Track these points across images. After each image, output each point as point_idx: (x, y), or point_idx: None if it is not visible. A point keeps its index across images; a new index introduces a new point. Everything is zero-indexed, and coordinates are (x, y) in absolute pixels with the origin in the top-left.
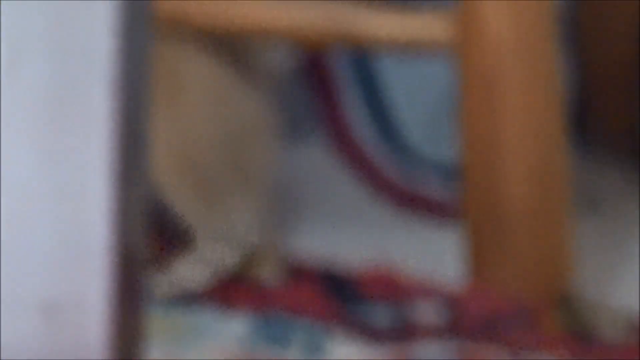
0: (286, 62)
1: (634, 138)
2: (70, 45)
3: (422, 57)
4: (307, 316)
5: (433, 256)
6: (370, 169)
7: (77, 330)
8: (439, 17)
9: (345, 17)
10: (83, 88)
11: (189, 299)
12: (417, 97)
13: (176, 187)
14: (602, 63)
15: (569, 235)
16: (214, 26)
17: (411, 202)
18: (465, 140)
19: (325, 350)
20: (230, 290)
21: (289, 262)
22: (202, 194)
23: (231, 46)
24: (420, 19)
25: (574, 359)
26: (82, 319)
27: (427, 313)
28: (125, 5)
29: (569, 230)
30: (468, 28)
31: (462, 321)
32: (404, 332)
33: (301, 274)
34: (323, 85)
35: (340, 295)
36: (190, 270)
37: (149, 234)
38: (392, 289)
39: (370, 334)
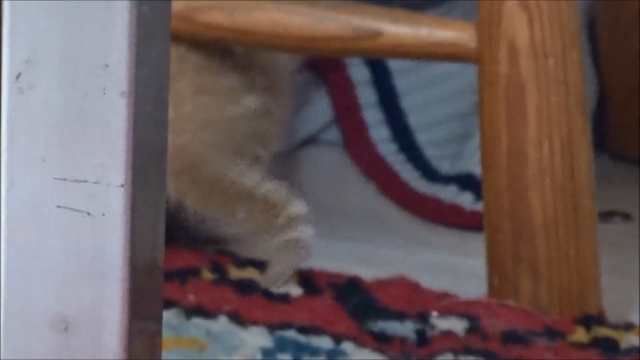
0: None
1: None
2: (84, 58)
3: (444, 66)
4: (326, 329)
5: (454, 269)
6: (390, 178)
7: (92, 347)
8: (461, 26)
9: (367, 28)
10: (98, 103)
11: (207, 312)
12: (436, 109)
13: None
14: (620, 73)
15: (594, 249)
16: (232, 39)
17: (432, 213)
18: (486, 151)
19: None
20: (250, 303)
21: (308, 275)
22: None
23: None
24: (442, 28)
25: None
26: (97, 335)
27: (447, 327)
28: (143, 16)
29: (594, 245)
30: (490, 37)
31: (483, 335)
32: (423, 346)
33: (320, 287)
34: (341, 91)
35: (360, 309)
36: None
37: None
38: (412, 303)
39: (390, 347)
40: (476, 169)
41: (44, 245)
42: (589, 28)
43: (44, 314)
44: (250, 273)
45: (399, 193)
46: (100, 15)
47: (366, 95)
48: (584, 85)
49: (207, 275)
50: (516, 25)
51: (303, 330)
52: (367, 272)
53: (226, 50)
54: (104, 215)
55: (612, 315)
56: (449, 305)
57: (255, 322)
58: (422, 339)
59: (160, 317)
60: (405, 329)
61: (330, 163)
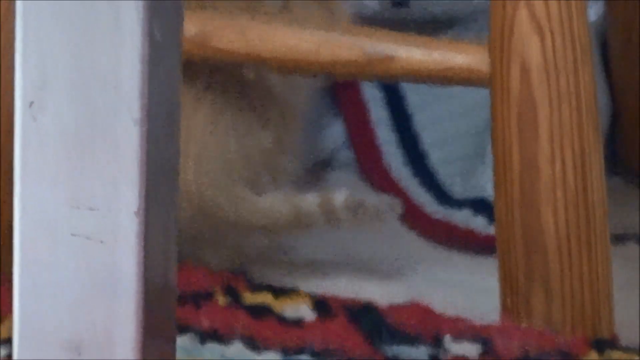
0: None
1: None
2: (95, 79)
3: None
4: (340, 354)
5: (468, 290)
6: (404, 202)
7: None
8: (473, 49)
9: (379, 52)
10: (110, 123)
11: (221, 337)
12: (448, 126)
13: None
14: (633, 89)
15: (607, 265)
16: (245, 62)
17: (446, 237)
18: (499, 167)
19: None
20: (264, 328)
21: (321, 299)
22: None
23: (241, 78)
24: (454, 51)
25: None
26: (110, 358)
27: (461, 350)
28: (153, 39)
29: (607, 260)
30: (502, 55)
31: (496, 357)
32: None
33: (334, 310)
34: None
35: (374, 333)
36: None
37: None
38: (425, 326)
39: None
40: (488, 186)
41: (57, 269)
42: (601, 44)
43: (58, 336)
44: (265, 297)
45: (413, 217)
46: (111, 38)
47: (378, 114)
48: (596, 101)
49: (220, 298)
50: (528, 42)
51: (317, 354)
52: (381, 294)
53: (242, 90)
54: (116, 241)
55: (623, 332)
56: (463, 327)
57: (269, 347)
58: None
59: (174, 339)
60: (419, 353)
61: (344, 185)
